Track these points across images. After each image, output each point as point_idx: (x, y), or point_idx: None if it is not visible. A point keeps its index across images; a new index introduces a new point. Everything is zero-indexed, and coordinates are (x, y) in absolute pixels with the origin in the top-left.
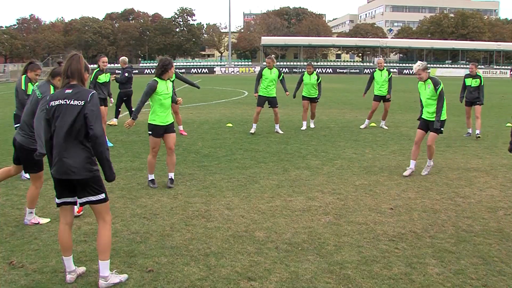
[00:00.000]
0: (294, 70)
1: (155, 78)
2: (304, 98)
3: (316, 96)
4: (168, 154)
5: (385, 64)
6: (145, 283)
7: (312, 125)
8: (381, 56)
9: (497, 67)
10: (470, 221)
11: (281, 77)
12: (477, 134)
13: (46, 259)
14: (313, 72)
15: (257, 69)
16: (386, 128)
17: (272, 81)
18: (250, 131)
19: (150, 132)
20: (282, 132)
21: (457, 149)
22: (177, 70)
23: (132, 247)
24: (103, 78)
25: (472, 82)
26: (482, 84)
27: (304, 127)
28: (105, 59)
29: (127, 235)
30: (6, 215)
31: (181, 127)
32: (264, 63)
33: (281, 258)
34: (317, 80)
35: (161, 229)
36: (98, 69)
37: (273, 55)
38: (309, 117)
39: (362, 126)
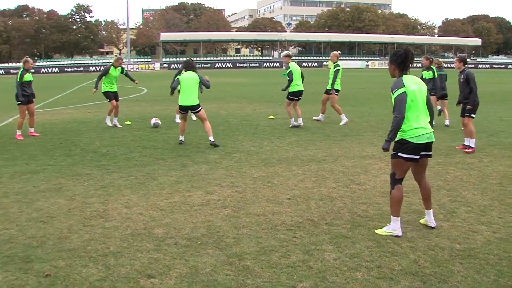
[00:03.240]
0: None
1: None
2: None
3: None
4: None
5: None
6: None
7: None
8: (279, 49)
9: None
10: (365, 207)
11: None
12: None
13: None
14: None
15: (157, 65)
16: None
17: None
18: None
19: None
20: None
21: (353, 138)
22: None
23: (28, 252)
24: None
25: (426, 75)
26: (436, 76)
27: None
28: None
29: (22, 240)
30: None
31: (32, 129)
32: (163, 59)
33: (180, 254)
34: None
35: (59, 231)
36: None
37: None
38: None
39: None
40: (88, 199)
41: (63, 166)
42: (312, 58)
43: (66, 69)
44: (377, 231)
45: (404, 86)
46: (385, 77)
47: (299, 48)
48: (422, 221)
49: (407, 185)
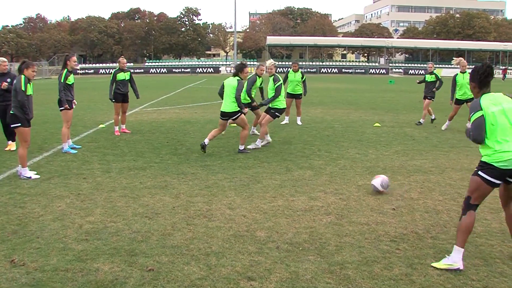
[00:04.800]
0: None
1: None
2: (288, 95)
3: (300, 92)
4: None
5: (391, 65)
6: (145, 282)
7: (299, 122)
8: (386, 56)
9: (503, 67)
10: None
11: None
12: None
13: (48, 258)
14: (298, 70)
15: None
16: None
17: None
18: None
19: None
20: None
21: (461, 150)
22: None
23: (133, 246)
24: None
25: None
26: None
27: (285, 121)
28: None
29: (128, 234)
30: (8, 213)
31: (123, 126)
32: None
33: (281, 258)
34: (302, 78)
35: (163, 228)
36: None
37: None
38: (297, 114)
39: (443, 127)
40: (193, 198)
41: (169, 164)
42: (419, 65)
43: (174, 70)
44: (434, 264)
45: (481, 109)
46: (496, 87)
47: (406, 55)
48: None
49: None
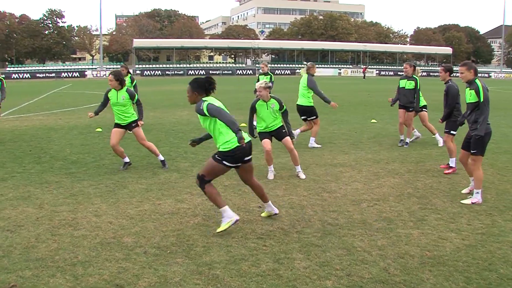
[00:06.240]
0: (167, 72)
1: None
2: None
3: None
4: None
5: (257, 66)
6: None
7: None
8: (252, 57)
9: (363, 66)
10: (335, 215)
11: None
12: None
13: None
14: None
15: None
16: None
17: None
18: None
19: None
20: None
21: (324, 146)
22: None
23: None
24: None
25: (406, 84)
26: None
27: None
28: None
29: None
30: None
31: None
32: (136, 66)
33: (149, 263)
34: (132, 82)
35: (26, 241)
36: None
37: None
38: None
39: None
40: (57, 208)
41: (32, 173)
42: (285, 65)
43: (37, 75)
44: (218, 230)
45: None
46: (358, 85)
47: (272, 56)
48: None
49: (377, 193)
